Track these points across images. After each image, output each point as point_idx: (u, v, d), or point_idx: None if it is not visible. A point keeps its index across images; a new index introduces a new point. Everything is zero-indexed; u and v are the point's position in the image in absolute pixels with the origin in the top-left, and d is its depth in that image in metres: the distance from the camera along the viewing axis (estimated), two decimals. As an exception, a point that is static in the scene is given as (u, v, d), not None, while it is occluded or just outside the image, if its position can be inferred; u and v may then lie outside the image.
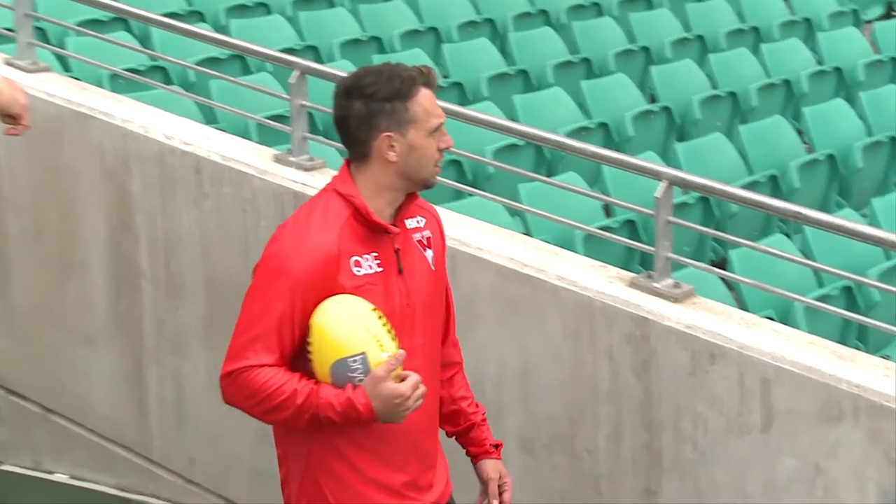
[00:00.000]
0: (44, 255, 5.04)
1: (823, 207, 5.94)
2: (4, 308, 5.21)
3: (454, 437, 3.10)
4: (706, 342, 3.56)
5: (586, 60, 7.11)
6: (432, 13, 7.56)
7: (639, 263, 5.13)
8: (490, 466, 3.06)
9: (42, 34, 6.11)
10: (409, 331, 2.79)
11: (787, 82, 7.05)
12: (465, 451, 3.10)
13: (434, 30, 7.28)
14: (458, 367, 3.10)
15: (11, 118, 2.50)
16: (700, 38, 7.66)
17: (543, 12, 7.76)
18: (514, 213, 5.03)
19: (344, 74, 4.77)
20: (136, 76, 5.55)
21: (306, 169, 4.42)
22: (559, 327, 3.81)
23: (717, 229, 5.24)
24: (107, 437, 5.07)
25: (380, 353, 2.68)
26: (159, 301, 4.72)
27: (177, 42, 5.91)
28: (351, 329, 2.68)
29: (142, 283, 4.74)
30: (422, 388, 2.71)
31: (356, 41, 6.94)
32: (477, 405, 3.11)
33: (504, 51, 7.23)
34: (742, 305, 4.50)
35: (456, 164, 5.51)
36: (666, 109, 6.50)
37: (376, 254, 2.76)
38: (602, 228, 4.80)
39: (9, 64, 5.17)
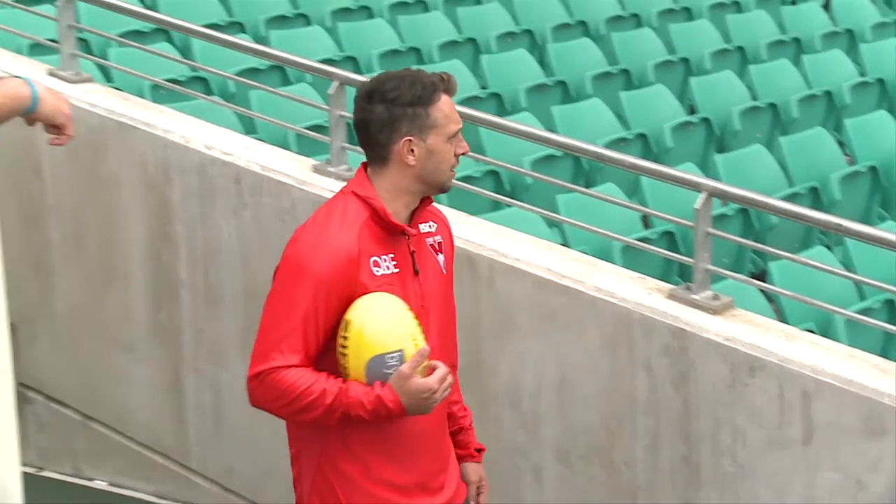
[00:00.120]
0: (85, 263, 5.09)
1: (865, 219, 5.88)
2: (46, 315, 5.26)
3: None
4: (745, 354, 3.53)
5: (625, 71, 7.09)
6: (471, 24, 7.57)
7: (677, 275, 5.10)
8: (471, 470, 3.10)
9: (85, 45, 6.17)
10: (424, 332, 2.82)
11: (828, 94, 7.00)
12: None
13: (472, 41, 7.29)
14: (453, 370, 3.13)
15: (55, 128, 2.53)
16: (740, 49, 7.62)
17: (582, 23, 7.75)
18: (552, 223, 5.02)
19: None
20: (177, 87, 5.60)
21: (345, 179, 4.43)
22: (597, 338, 3.79)
23: (756, 241, 5.20)
24: (145, 444, 5.10)
25: (415, 349, 2.73)
26: (198, 310, 4.75)
27: (217, 53, 5.95)
28: (391, 327, 2.72)
29: (181, 293, 4.77)
30: (449, 379, 2.77)
31: (395, 52, 6.95)
32: (465, 409, 3.15)
33: (543, 62, 7.22)
34: (782, 318, 4.46)
35: (494, 174, 5.51)
36: (705, 121, 6.47)
37: (393, 255, 2.80)
38: (640, 240, 4.77)
39: (52, 74, 5.23)
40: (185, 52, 6.58)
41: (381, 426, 2.78)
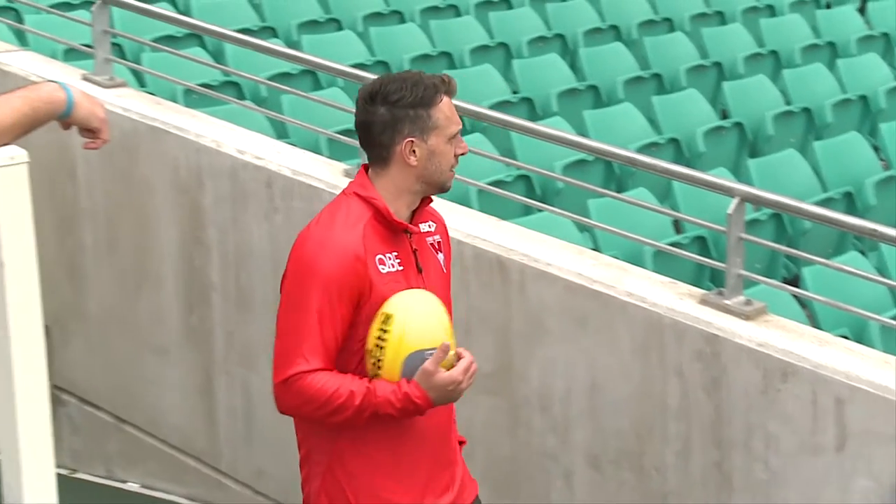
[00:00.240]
0: (118, 266, 5.12)
1: (900, 225, 5.82)
2: (80, 318, 5.30)
3: None
4: (778, 360, 3.50)
5: (657, 76, 7.06)
6: (502, 29, 7.57)
7: (709, 280, 5.08)
8: None
9: (119, 50, 6.22)
10: None
11: (863, 98, 6.94)
12: None
13: (504, 45, 7.29)
14: None
15: (90, 132, 2.54)
16: (774, 53, 7.58)
17: (614, 28, 7.73)
18: (583, 228, 5.00)
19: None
20: (210, 91, 5.63)
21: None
22: (628, 343, 3.78)
23: (789, 246, 5.17)
24: (177, 447, 5.12)
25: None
26: (229, 314, 4.77)
27: (249, 57, 5.98)
28: (432, 324, 2.78)
29: (212, 296, 4.80)
30: (474, 367, 2.82)
31: (426, 56, 6.96)
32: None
33: (574, 66, 7.21)
34: (815, 323, 4.43)
35: (525, 179, 5.50)
36: (738, 125, 6.44)
37: (397, 253, 2.85)
38: (672, 244, 4.75)
39: (86, 79, 5.27)
40: (218, 56, 6.62)
41: (390, 424, 2.83)
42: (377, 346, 2.77)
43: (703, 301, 3.74)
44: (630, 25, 7.82)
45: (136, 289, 5.08)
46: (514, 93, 6.73)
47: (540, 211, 4.75)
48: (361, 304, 2.79)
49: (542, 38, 7.46)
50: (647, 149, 5.89)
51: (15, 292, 2.26)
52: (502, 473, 4.12)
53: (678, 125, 6.44)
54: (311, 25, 7.23)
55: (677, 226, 5.53)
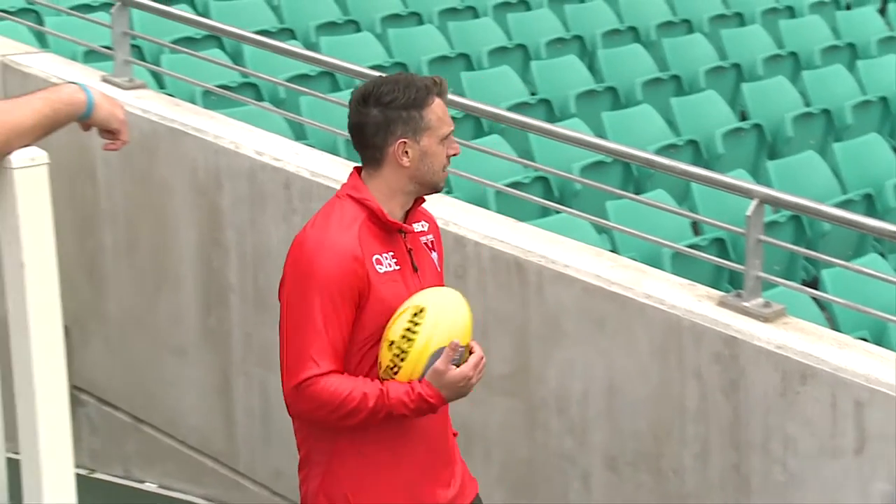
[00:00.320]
0: (137, 267, 5.14)
1: (920, 227, 5.79)
2: (99, 319, 5.32)
3: None
4: (797, 363, 3.49)
5: (676, 77, 7.05)
6: (520, 30, 7.56)
7: (727, 282, 5.06)
8: None
9: (138, 52, 6.24)
10: None
11: (883, 99, 6.91)
12: None
13: (522, 47, 7.28)
14: None
15: (110, 133, 2.55)
16: (794, 54, 7.55)
17: (633, 29, 7.72)
18: (601, 230, 5.00)
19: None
20: (228, 93, 5.64)
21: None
22: (646, 345, 3.77)
23: (808, 248, 5.15)
24: (195, 447, 5.14)
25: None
26: (247, 315, 4.78)
27: (268, 59, 6.00)
28: (462, 323, 2.83)
29: (230, 297, 4.81)
30: (483, 361, 2.86)
31: (444, 58, 6.97)
32: None
33: (592, 68, 7.20)
34: (835, 326, 4.41)
35: (543, 180, 5.49)
36: (757, 127, 6.42)
37: (392, 253, 2.88)
38: (690, 246, 4.74)
39: (106, 81, 5.29)
40: (236, 58, 6.64)
41: (390, 424, 2.85)
42: (404, 337, 2.80)
43: (722, 303, 3.73)
44: (648, 27, 7.80)
45: (154, 290, 5.09)
46: (532, 94, 6.73)
47: (558, 212, 4.74)
48: (361, 304, 2.82)
49: (560, 40, 7.45)
50: (665, 150, 5.88)
51: (35, 293, 2.27)
52: (519, 475, 4.12)
53: (697, 127, 6.42)
54: (330, 27, 7.24)
55: (696, 227, 5.52)
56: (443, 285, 3.02)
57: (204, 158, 4.82)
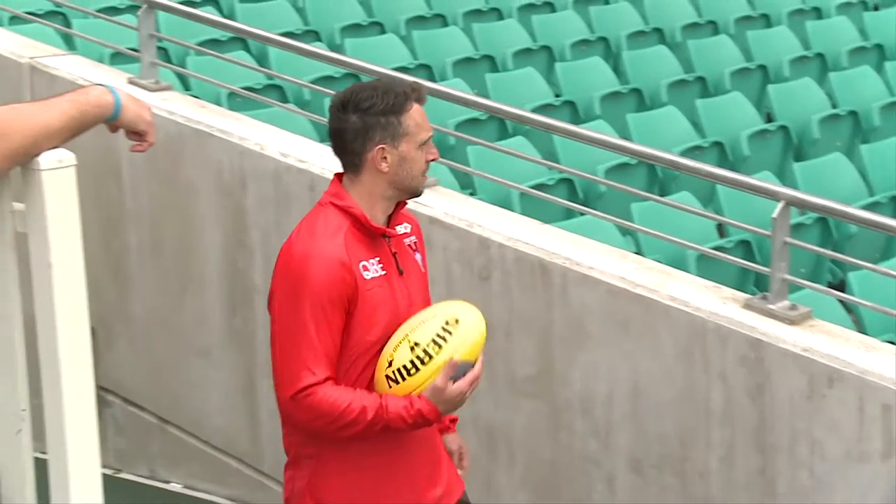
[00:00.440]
0: (162, 268, 5.16)
1: (948, 230, 5.74)
2: (124, 320, 5.35)
3: None
4: (824, 366, 3.47)
5: (701, 79, 7.02)
6: (545, 32, 7.55)
7: (753, 285, 5.04)
8: (451, 439, 3.21)
9: (164, 54, 6.27)
10: None
11: (911, 101, 6.86)
12: None
13: (547, 48, 7.27)
14: None
15: (137, 135, 2.57)
16: (820, 56, 7.50)
17: (658, 30, 7.69)
18: (625, 232, 4.98)
19: (457, 93, 4.81)
20: (253, 94, 5.66)
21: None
22: (671, 348, 3.76)
23: (835, 251, 5.12)
24: (220, 448, 5.16)
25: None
26: (272, 315, 4.79)
27: (293, 61, 6.01)
28: (482, 341, 2.88)
29: (255, 299, 4.82)
30: (479, 377, 2.88)
31: (469, 60, 6.96)
32: None
33: (617, 69, 7.18)
34: (861, 329, 4.38)
35: (568, 182, 5.48)
36: (783, 128, 6.38)
37: (378, 258, 2.90)
38: (716, 248, 4.72)
39: (132, 83, 5.32)
40: (262, 60, 6.66)
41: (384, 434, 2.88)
42: (435, 342, 2.82)
43: (747, 306, 3.71)
44: (674, 28, 7.78)
45: (180, 291, 5.11)
46: (557, 96, 6.72)
47: (582, 214, 4.73)
48: (350, 310, 2.84)
49: (584, 41, 7.44)
50: (690, 152, 5.86)
51: (62, 294, 2.28)
52: (543, 477, 4.11)
53: (722, 128, 6.39)
54: (354, 29, 7.25)
55: (721, 230, 5.49)
56: (427, 286, 3.05)
57: (229, 160, 4.83)
